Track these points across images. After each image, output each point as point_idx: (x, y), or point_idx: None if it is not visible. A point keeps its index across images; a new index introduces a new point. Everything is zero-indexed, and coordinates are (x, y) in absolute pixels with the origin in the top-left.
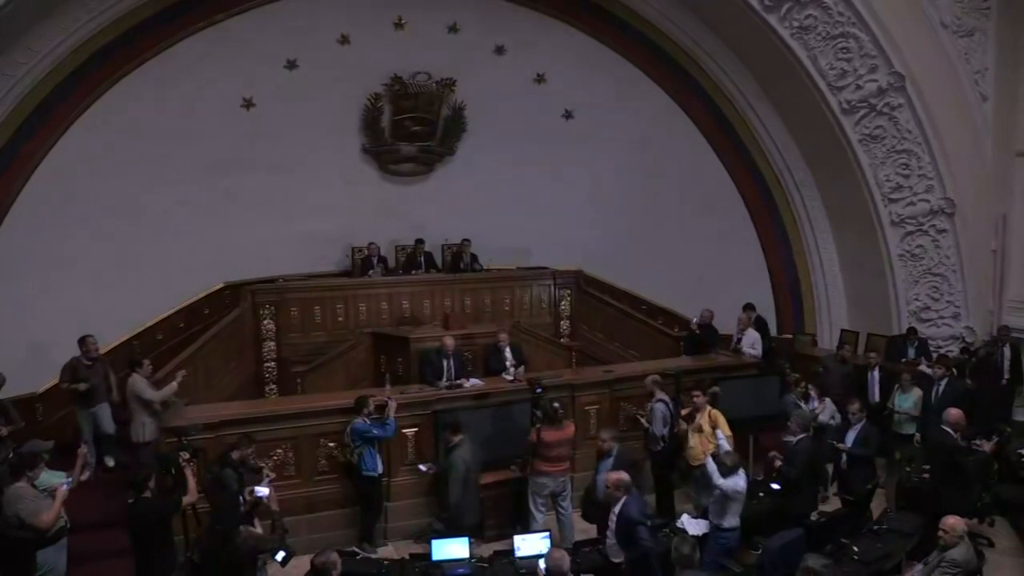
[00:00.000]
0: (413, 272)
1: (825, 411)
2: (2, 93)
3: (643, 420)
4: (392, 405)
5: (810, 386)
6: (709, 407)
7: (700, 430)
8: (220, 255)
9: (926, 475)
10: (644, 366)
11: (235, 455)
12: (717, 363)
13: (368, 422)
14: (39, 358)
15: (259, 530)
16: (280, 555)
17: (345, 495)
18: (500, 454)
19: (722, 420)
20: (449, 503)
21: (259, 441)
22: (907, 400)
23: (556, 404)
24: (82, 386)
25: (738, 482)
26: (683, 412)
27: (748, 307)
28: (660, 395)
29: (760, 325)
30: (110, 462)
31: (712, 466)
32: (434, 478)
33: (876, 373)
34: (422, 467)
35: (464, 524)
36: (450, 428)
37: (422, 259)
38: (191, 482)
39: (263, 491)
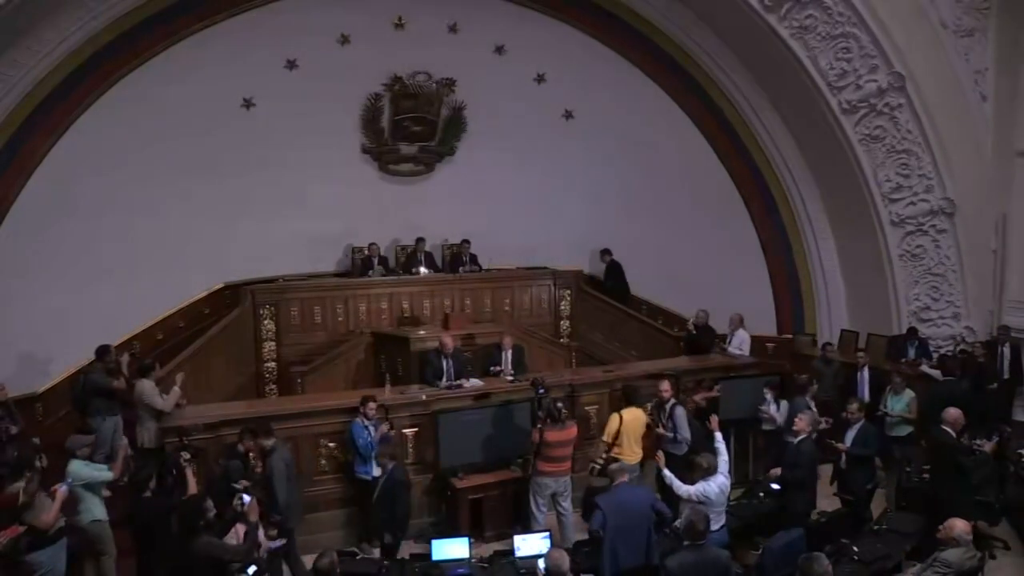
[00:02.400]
0: (412, 271)
1: (780, 416)
2: (2, 93)
3: (663, 431)
4: (383, 428)
5: (768, 390)
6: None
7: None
8: (220, 255)
9: (926, 475)
10: (644, 366)
11: (241, 448)
12: (716, 363)
13: (364, 424)
14: (39, 358)
15: (239, 537)
16: (251, 569)
17: (345, 495)
18: (500, 454)
19: (611, 424)
20: (279, 505)
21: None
22: (899, 402)
23: (560, 404)
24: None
25: (708, 487)
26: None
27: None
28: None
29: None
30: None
31: (669, 475)
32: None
33: (865, 372)
34: (237, 486)
35: (293, 525)
36: (263, 433)
37: (422, 258)
38: (191, 482)
39: (247, 498)
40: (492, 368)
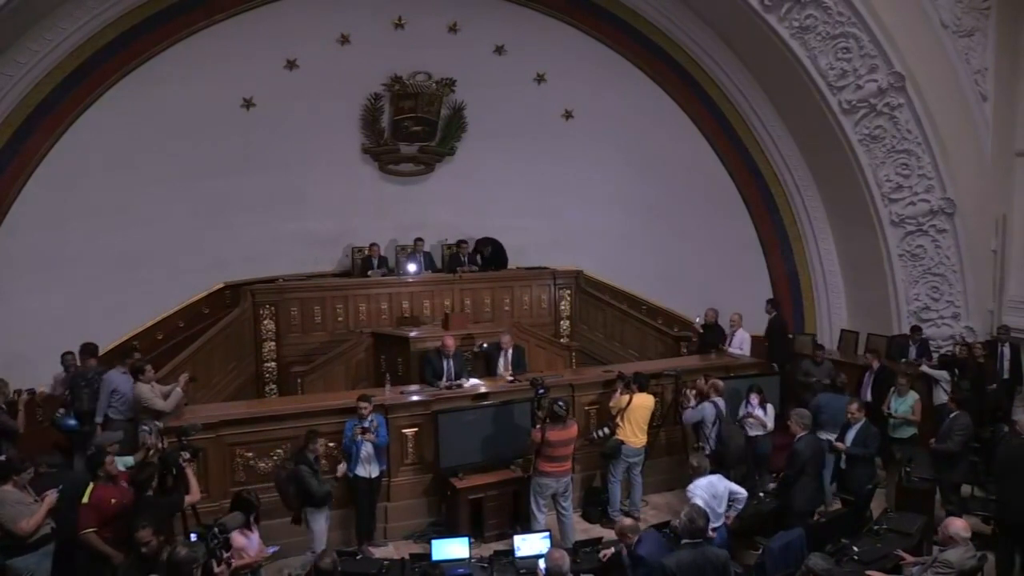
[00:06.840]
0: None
1: (769, 419)
2: (2, 93)
3: (688, 406)
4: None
5: (752, 393)
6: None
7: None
8: (220, 255)
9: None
10: (644, 366)
11: (310, 454)
12: (716, 363)
13: (353, 422)
14: (38, 358)
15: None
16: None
17: (345, 495)
18: (500, 454)
19: (620, 400)
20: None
21: (259, 441)
22: (903, 404)
23: (561, 403)
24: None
25: (714, 485)
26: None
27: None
28: (714, 397)
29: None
30: None
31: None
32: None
33: (872, 374)
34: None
35: None
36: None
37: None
38: (192, 482)
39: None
40: (497, 372)
